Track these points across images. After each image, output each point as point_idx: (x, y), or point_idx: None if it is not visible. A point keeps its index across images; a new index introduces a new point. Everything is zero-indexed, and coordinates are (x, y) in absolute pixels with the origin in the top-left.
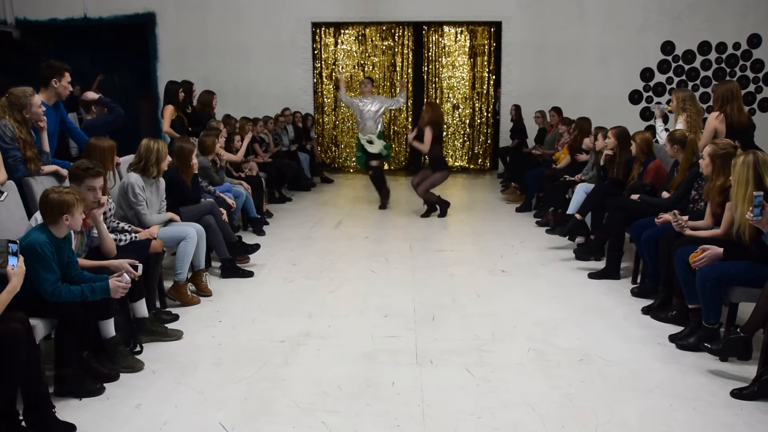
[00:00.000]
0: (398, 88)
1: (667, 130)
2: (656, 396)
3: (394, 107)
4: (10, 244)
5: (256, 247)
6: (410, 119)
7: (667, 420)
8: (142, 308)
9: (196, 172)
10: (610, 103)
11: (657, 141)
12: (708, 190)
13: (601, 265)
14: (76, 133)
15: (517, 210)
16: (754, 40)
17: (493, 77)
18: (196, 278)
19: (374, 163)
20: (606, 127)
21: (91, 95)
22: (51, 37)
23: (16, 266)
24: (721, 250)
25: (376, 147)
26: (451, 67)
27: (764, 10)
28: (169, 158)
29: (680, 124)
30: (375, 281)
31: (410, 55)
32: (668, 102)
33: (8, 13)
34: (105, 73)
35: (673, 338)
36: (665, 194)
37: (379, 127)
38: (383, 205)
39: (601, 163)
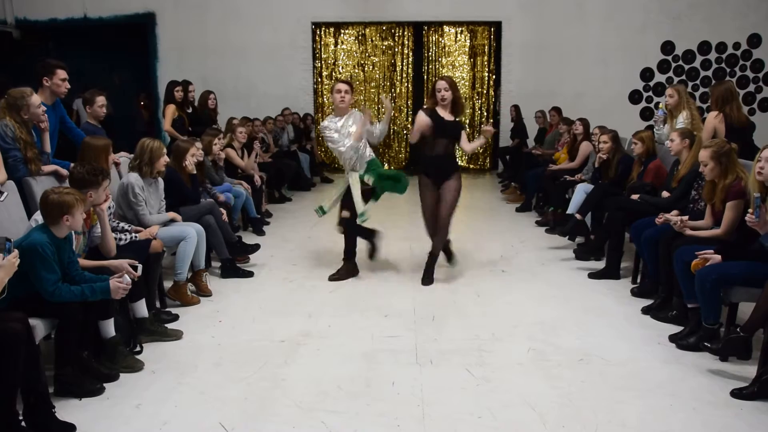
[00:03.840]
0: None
1: None
2: (656, 396)
3: (375, 140)
4: (6, 242)
5: (256, 247)
6: (410, 119)
7: (667, 420)
8: (142, 308)
9: (193, 172)
10: (610, 103)
11: (657, 141)
12: (708, 191)
13: (601, 265)
14: (76, 134)
15: (517, 210)
16: (754, 40)
17: (493, 77)
18: (196, 278)
19: (345, 214)
20: (606, 126)
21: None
22: (51, 37)
23: (6, 259)
24: (719, 257)
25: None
26: (451, 67)
27: (764, 10)
28: (166, 158)
29: (681, 123)
30: (375, 281)
31: (410, 55)
32: (666, 101)
33: (8, 13)
34: (105, 73)
35: (673, 338)
36: (665, 194)
37: (368, 150)
38: (349, 269)
39: (596, 165)
